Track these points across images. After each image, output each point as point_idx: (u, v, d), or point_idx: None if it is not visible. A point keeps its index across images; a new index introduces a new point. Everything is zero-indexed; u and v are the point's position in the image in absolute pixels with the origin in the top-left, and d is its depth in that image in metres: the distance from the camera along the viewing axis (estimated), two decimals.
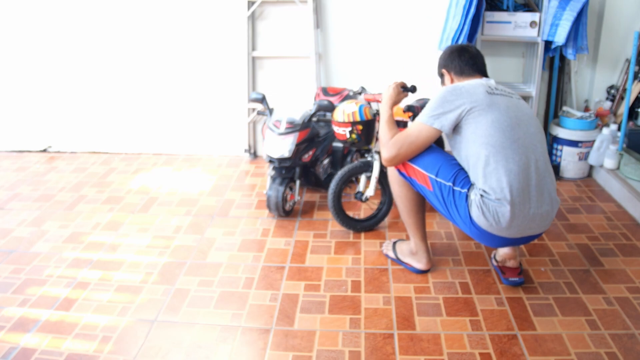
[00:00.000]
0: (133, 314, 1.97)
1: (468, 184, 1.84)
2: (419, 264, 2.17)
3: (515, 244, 1.93)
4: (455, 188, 1.84)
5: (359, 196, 2.51)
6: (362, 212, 2.71)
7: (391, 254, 2.28)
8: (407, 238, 2.37)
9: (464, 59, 2.00)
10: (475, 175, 1.81)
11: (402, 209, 2.13)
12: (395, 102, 2.09)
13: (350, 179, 2.49)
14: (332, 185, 2.45)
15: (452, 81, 2.02)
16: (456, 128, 1.86)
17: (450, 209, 1.88)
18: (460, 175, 1.86)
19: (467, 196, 1.82)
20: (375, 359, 1.72)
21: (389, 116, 2.02)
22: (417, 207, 2.10)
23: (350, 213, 2.58)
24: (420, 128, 1.88)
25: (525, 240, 1.91)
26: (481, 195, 1.78)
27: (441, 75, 2.10)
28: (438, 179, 1.87)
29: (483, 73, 2.01)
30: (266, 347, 1.79)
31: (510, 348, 1.75)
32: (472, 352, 1.74)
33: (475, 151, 1.80)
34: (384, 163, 1.98)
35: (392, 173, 2.09)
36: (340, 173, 2.46)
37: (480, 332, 1.83)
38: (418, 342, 1.79)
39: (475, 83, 1.89)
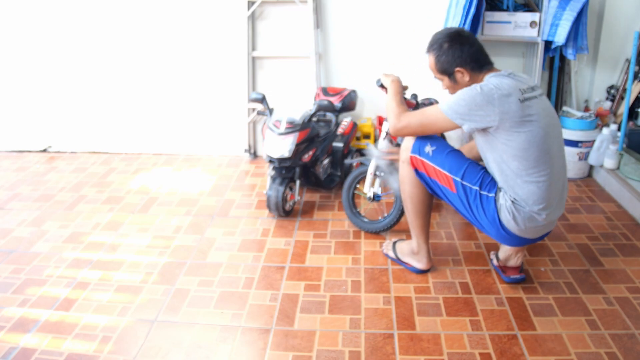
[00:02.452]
0: (133, 314, 1.97)
1: (494, 187, 1.83)
2: (420, 263, 2.17)
3: (532, 242, 1.96)
4: (482, 192, 1.84)
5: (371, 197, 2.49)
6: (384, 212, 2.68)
7: (391, 254, 2.28)
8: (407, 238, 2.37)
9: (474, 50, 1.84)
10: (505, 182, 1.80)
11: (411, 209, 2.11)
12: (400, 83, 2.06)
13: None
14: (347, 182, 2.54)
15: (469, 77, 1.86)
16: (482, 131, 1.80)
17: (476, 212, 1.87)
18: (486, 179, 1.85)
19: (495, 200, 1.82)
20: (375, 359, 1.72)
21: (399, 91, 1.99)
22: (426, 208, 2.10)
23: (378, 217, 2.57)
24: (439, 116, 1.81)
25: (540, 238, 1.95)
26: (512, 202, 1.78)
27: (450, 75, 1.89)
28: (464, 182, 1.86)
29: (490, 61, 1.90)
30: (266, 347, 1.79)
31: (510, 348, 1.75)
32: (472, 352, 1.74)
33: (506, 159, 1.77)
34: (392, 131, 1.94)
35: (404, 172, 2.07)
36: (354, 173, 2.53)
37: (480, 332, 1.83)
38: (418, 342, 1.79)
39: (508, 87, 1.73)
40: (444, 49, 1.86)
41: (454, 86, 1.92)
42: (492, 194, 1.82)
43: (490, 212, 1.84)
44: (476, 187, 1.85)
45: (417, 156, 1.98)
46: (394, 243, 2.31)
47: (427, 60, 1.95)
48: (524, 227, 1.81)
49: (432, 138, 1.98)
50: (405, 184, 2.09)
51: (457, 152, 1.94)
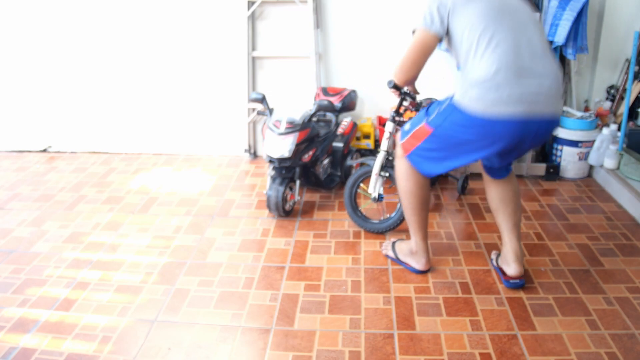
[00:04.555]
0: (133, 314, 1.97)
1: (448, 97, 1.87)
2: (418, 264, 2.17)
3: (524, 143, 1.81)
4: (442, 107, 1.86)
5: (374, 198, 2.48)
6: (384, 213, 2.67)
7: (390, 254, 2.28)
8: (407, 238, 2.37)
9: None
10: (467, 68, 1.76)
11: (407, 205, 2.11)
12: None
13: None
14: (349, 181, 2.52)
15: None
16: (448, 31, 1.84)
17: (452, 130, 1.82)
18: (436, 102, 1.93)
19: (452, 100, 1.82)
20: (375, 359, 1.72)
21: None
22: (422, 204, 2.10)
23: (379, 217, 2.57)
24: (418, 34, 1.85)
25: (534, 135, 1.78)
26: (468, 88, 1.74)
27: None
28: (430, 118, 1.90)
29: None
30: (266, 347, 1.79)
31: (510, 348, 1.75)
32: (472, 352, 1.74)
33: (464, 45, 1.76)
34: (400, 78, 1.95)
35: (399, 167, 2.09)
36: (359, 172, 2.51)
37: (480, 332, 1.83)
38: (418, 342, 1.79)
39: None
40: None
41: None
42: (447, 101, 1.85)
43: (457, 114, 1.79)
44: (435, 111, 1.89)
45: (403, 140, 2.03)
46: (393, 243, 2.31)
47: None
48: (491, 101, 1.69)
49: (411, 121, 2.03)
50: (400, 178, 2.09)
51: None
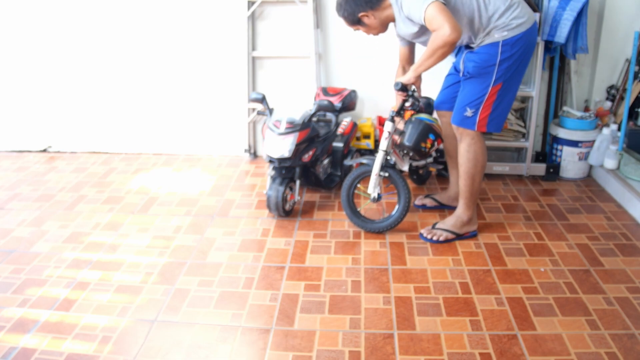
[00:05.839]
0: (133, 314, 1.97)
1: (488, 62, 2.14)
2: (475, 226, 2.42)
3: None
4: (497, 66, 2.11)
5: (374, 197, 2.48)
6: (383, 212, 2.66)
7: (448, 235, 2.37)
8: (408, 238, 2.37)
9: None
10: (504, 18, 2.08)
11: (478, 179, 2.30)
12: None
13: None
14: (346, 181, 2.50)
15: (374, 16, 2.21)
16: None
17: (520, 60, 2.13)
18: (477, 78, 2.18)
19: (502, 43, 2.08)
20: (375, 359, 1.72)
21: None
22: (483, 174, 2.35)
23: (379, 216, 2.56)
24: (437, 6, 1.98)
25: None
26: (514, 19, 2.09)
27: (360, 22, 2.25)
28: (492, 80, 2.13)
29: None
30: (266, 347, 1.79)
31: (510, 348, 1.75)
32: (472, 352, 1.74)
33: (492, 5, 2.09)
34: (453, 37, 1.96)
35: (475, 150, 2.25)
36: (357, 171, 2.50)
37: (480, 332, 1.83)
38: (418, 342, 1.79)
39: None
40: (343, 6, 2.26)
41: (370, 28, 2.29)
42: (497, 59, 2.10)
43: (506, 49, 2.08)
44: (494, 72, 2.11)
45: (473, 124, 2.21)
46: (439, 227, 2.41)
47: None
48: (528, 14, 2.11)
49: (467, 106, 2.23)
50: (477, 159, 2.27)
51: (454, 86, 2.40)
